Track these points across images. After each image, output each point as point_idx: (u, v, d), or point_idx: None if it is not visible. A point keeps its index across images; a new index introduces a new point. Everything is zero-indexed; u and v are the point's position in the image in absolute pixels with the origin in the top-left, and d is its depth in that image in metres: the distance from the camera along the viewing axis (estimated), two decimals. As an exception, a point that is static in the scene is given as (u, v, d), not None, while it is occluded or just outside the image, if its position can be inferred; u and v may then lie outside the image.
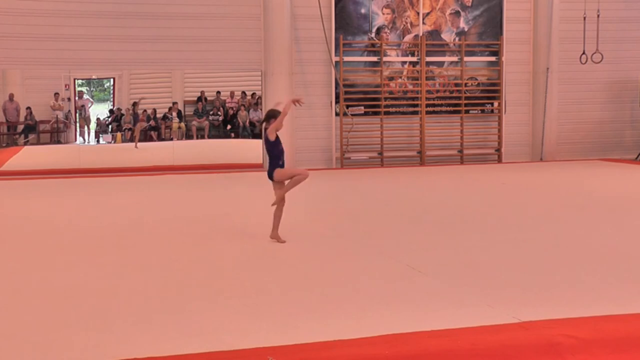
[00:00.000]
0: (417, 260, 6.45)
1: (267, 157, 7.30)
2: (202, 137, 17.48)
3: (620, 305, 4.99)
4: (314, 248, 7.23)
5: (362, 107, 15.73)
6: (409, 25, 15.91)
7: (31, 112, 16.63)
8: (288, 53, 15.02)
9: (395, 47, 15.90)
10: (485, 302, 5.07)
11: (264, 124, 7.24)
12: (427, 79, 15.99)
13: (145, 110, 17.31)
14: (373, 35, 15.74)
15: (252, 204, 10.25)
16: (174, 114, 17.40)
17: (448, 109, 16.26)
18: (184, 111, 17.71)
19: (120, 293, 5.49)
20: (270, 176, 7.28)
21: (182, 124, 17.52)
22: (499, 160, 16.40)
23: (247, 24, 15.09)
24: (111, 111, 17.68)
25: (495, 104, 16.50)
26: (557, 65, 16.52)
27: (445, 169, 15.08)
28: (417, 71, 16.00)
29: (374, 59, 15.82)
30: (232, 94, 18.00)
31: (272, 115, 7.21)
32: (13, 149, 16.61)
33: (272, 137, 7.17)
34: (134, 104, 17.13)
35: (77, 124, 17.43)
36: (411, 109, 16.06)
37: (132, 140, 17.13)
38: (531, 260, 6.48)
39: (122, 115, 17.47)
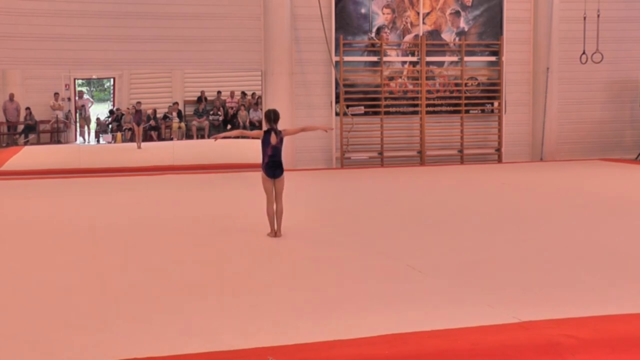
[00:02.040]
0: (417, 260, 6.45)
1: (277, 160, 7.59)
2: (202, 137, 17.48)
3: (620, 305, 4.99)
4: (314, 248, 7.23)
5: (362, 107, 15.73)
6: (409, 25, 15.91)
7: (31, 112, 16.63)
8: (288, 53, 15.03)
9: (395, 47, 15.90)
10: (485, 302, 5.07)
11: (272, 125, 7.56)
12: (427, 78, 15.99)
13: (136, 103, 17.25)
14: (373, 35, 15.74)
15: (252, 204, 10.25)
16: (174, 114, 17.41)
17: (448, 108, 16.26)
18: (184, 111, 17.72)
19: (120, 293, 5.49)
20: (281, 174, 7.63)
21: (182, 124, 17.52)
22: (499, 160, 16.40)
23: (247, 24, 15.09)
24: (111, 111, 17.68)
25: (495, 104, 16.50)
26: (557, 65, 16.52)
27: (445, 169, 15.07)
28: (417, 71, 16.00)
29: (374, 58, 15.82)
30: (232, 94, 18.00)
31: (278, 116, 7.58)
32: (13, 149, 16.61)
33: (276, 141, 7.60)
34: (137, 103, 17.10)
35: (77, 124, 17.44)
36: (411, 109, 16.06)
37: (132, 140, 17.12)
38: (531, 260, 6.48)
39: (122, 115, 17.46)
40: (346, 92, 15.49)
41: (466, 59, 16.17)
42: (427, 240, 7.49)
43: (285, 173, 7.70)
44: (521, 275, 5.90)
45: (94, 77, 18.06)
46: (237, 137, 8.24)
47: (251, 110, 17.80)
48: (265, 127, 7.63)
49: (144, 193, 11.68)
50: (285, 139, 7.67)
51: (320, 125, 7.03)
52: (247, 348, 4.17)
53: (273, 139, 7.53)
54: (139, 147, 16.81)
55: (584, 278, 5.84)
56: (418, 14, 15.94)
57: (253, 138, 7.77)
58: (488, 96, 16.48)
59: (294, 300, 5.22)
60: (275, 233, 7.56)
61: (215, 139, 7.85)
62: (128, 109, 17.42)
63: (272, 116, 7.57)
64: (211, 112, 17.73)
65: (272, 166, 7.55)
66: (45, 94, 16.76)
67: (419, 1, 15.90)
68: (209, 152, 16.58)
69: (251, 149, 15.65)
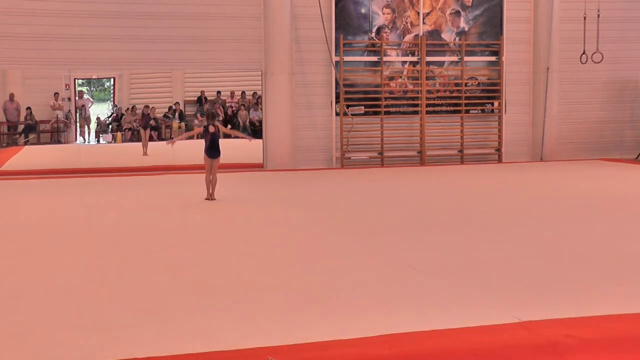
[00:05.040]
0: (417, 260, 6.44)
1: (214, 145, 10.07)
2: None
3: (620, 305, 4.99)
4: (313, 248, 7.23)
5: (362, 107, 15.73)
6: (409, 25, 15.91)
7: (31, 112, 16.64)
8: (288, 53, 15.02)
9: (395, 47, 15.90)
10: (486, 302, 5.07)
11: (210, 121, 10.03)
12: (427, 78, 15.99)
13: (146, 106, 17.30)
14: (373, 35, 15.74)
15: (252, 203, 10.26)
16: (176, 114, 17.44)
17: (448, 108, 16.26)
18: (185, 111, 17.74)
19: (120, 293, 5.49)
20: (218, 155, 10.10)
21: (182, 124, 17.54)
22: (499, 160, 16.39)
23: (247, 24, 15.08)
24: (115, 106, 17.71)
25: (496, 103, 16.50)
26: (557, 65, 16.52)
27: (445, 168, 15.08)
28: (417, 71, 15.99)
29: (374, 58, 15.81)
30: (232, 94, 18.01)
31: (216, 115, 9.92)
32: (13, 149, 16.62)
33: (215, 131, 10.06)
34: (146, 107, 17.14)
35: (77, 124, 17.46)
36: (411, 109, 16.06)
37: (132, 140, 17.10)
38: (531, 260, 6.47)
39: (123, 115, 17.49)
40: (346, 92, 15.48)
41: (466, 59, 16.16)
42: (427, 240, 7.49)
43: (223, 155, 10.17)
44: (521, 275, 5.90)
45: (94, 77, 18.08)
46: (189, 138, 10.73)
47: (251, 110, 17.81)
48: (205, 123, 10.20)
49: (144, 193, 11.68)
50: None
51: (246, 136, 10.98)
52: (247, 348, 4.17)
53: (211, 129, 9.94)
54: (145, 154, 16.69)
55: (584, 278, 5.84)
56: (418, 13, 15.94)
57: (197, 134, 10.15)
58: (488, 96, 16.48)
59: (294, 300, 5.22)
60: (210, 196, 10.08)
61: (172, 144, 10.74)
62: (128, 109, 17.44)
63: (210, 115, 10.18)
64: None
65: (211, 149, 9.97)
66: (45, 94, 16.78)
67: (419, 1, 15.90)
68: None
69: (251, 149, 15.74)
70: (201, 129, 10.20)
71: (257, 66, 15.26)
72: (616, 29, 16.52)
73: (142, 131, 16.77)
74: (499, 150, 16.49)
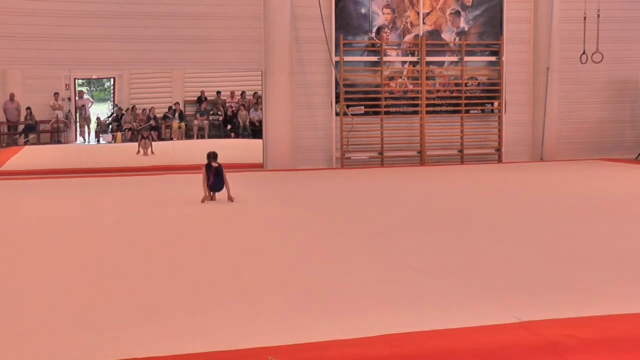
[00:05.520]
0: (417, 260, 6.44)
1: (217, 180, 10.19)
2: (203, 136, 17.51)
3: (621, 305, 4.99)
4: (313, 248, 7.23)
5: (362, 107, 15.73)
6: (409, 25, 15.91)
7: (31, 112, 16.64)
8: (288, 53, 15.02)
9: (395, 47, 15.90)
10: (486, 302, 5.06)
11: (214, 160, 10.19)
12: (427, 78, 15.99)
13: (144, 109, 17.32)
14: (373, 35, 15.74)
15: (252, 203, 10.26)
16: (176, 114, 17.44)
17: (448, 108, 16.26)
18: (185, 111, 17.74)
19: (120, 293, 5.49)
20: (220, 189, 10.27)
21: (182, 124, 17.54)
22: (499, 160, 16.40)
23: (247, 24, 15.09)
24: (115, 106, 17.73)
25: (496, 103, 16.50)
26: (557, 65, 16.52)
27: (445, 168, 15.08)
28: (417, 71, 16.00)
29: (374, 58, 15.81)
30: (232, 94, 18.01)
31: (217, 155, 10.18)
32: (13, 149, 16.62)
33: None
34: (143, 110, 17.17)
35: (77, 124, 17.45)
36: (411, 109, 16.06)
37: (132, 140, 17.10)
38: (531, 260, 6.47)
39: (123, 115, 17.48)
40: (346, 92, 15.49)
41: (466, 59, 16.16)
42: (427, 240, 7.49)
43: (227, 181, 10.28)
44: (521, 275, 5.90)
45: (94, 77, 18.07)
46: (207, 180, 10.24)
47: (251, 110, 17.81)
48: (206, 162, 10.26)
49: (144, 193, 11.68)
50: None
51: (229, 192, 10.23)
52: (247, 348, 4.16)
53: (214, 164, 10.10)
54: (145, 154, 16.75)
55: (584, 278, 5.83)
56: (418, 13, 15.94)
57: (205, 174, 10.15)
58: (488, 96, 16.48)
59: (294, 300, 5.22)
60: (211, 197, 10.20)
61: (205, 200, 10.12)
62: (128, 109, 17.43)
63: (212, 155, 10.20)
64: (211, 112, 17.75)
65: (214, 183, 10.15)
66: (45, 94, 16.77)
67: (419, 1, 15.90)
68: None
69: (251, 149, 15.75)
70: (203, 171, 10.25)
71: (257, 66, 15.26)
72: (616, 29, 16.52)
73: (142, 143, 16.72)
74: (499, 150, 16.49)
